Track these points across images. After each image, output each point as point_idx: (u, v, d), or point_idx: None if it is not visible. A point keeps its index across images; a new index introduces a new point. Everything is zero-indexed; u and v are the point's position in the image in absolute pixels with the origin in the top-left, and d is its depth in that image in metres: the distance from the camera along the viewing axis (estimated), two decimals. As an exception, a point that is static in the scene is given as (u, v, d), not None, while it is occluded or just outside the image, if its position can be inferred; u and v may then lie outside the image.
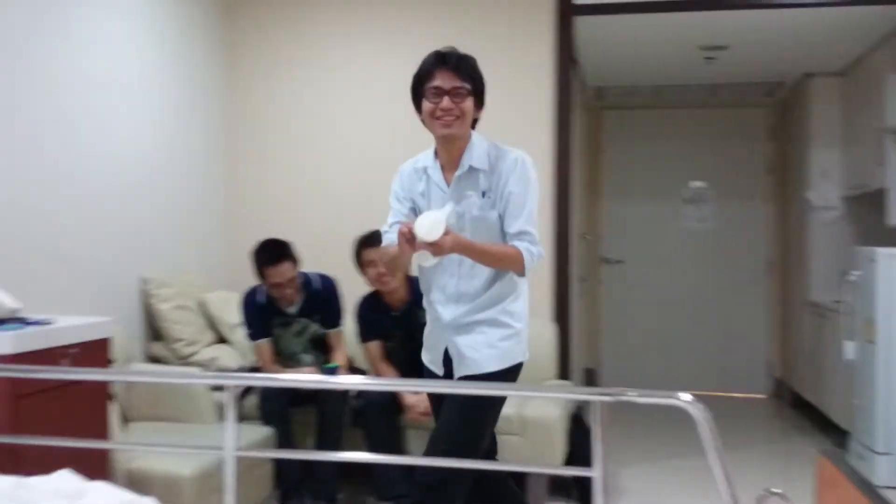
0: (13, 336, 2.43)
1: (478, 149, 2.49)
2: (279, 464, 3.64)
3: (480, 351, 2.49)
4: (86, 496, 1.84)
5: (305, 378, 3.67)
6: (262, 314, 3.87)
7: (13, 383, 2.38)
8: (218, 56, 4.81)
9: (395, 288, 3.73)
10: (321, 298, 3.91)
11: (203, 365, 4.04)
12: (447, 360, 2.56)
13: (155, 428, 3.47)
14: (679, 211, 7.01)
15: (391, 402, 3.68)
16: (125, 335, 3.67)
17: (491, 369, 2.49)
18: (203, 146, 4.67)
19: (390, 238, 2.46)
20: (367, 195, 4.50)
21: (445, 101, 2.40)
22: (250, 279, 3.90)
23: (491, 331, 2.50)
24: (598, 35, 5.12)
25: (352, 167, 4.77)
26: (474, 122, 2.51)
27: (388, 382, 2.33)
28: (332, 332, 3.93)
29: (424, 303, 2.64)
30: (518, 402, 3.69)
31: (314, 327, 3.92)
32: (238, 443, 2.06)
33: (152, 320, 4.08)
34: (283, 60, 4.89)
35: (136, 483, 2.89)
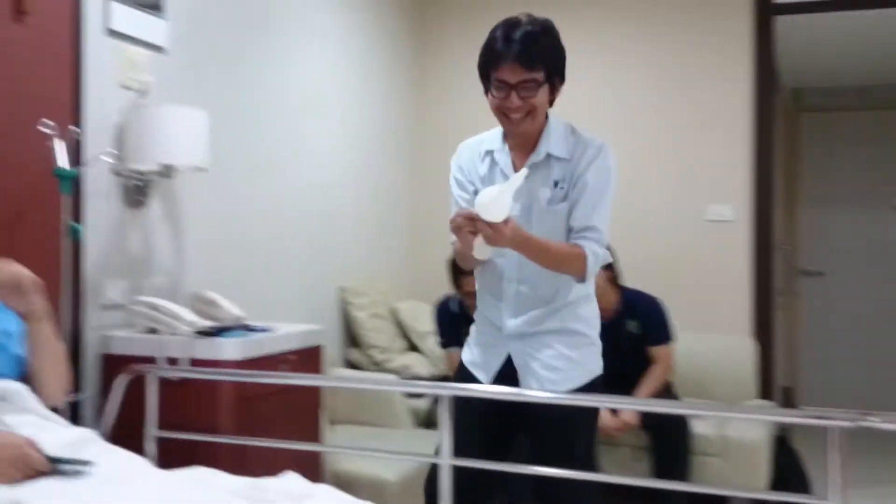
0: (240, 343, 2.57)
1: (555, 134, 2.18)
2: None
3: (559, 368, 2.17)
4: (312, 499, 1.91)
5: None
6: (454, 323, 3.91)
7: (240, 387, 2.52)
8: (405, 75, 4.93)
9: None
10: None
11: (397, 372, 4.13)
12: (504, 374, 2.24)
13: (356, 432, 3.57)
14: (886, 219, 6.49)
15: None
16: (326, 341, 3.82)
17: (573, 386, 2.17)
18: (391, 165, 4.80)
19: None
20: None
21: (512, 99, 2.10)
22: (434, 289, 3.96)
23: (563, 341, 2.18)
24: (797, 34, 4.85)
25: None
26: (552, 100, 2.18)
27: (593, 398, 2.20)
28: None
29: (478, 306, 2.33)
30: (718, 422, 3.52)
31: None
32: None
33: (349, 327, 4.23)
34: (466, 79, 4.94)
35: (341, 485, 2.97)
